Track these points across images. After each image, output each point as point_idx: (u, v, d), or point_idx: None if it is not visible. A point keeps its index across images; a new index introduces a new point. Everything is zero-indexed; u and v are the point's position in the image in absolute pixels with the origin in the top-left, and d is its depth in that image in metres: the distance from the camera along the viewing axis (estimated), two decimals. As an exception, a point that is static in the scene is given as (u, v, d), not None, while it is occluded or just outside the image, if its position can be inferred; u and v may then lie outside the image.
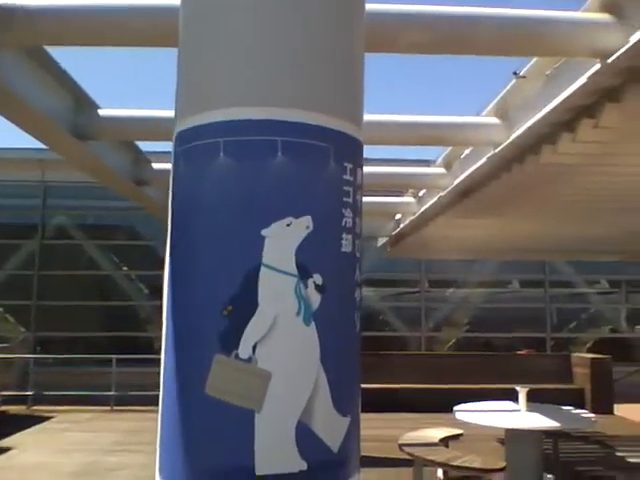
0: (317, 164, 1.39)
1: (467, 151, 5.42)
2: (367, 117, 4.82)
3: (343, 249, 1.41)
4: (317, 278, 1.36)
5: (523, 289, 15.66)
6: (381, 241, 9.57)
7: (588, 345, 15.17)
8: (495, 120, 4.69)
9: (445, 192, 6.07)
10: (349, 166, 1.45)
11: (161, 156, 5.79)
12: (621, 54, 3.06)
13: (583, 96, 3.54)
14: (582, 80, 3.38)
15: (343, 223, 1.41)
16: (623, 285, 15.84)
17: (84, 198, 14.13)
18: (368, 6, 3.14)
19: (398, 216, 8.07)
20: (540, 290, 15.06)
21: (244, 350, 1.31)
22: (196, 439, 1.36)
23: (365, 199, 5.65)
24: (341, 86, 1.48)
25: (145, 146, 5.99)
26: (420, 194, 7.03)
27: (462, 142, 5.18)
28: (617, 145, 4.03)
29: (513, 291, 15.68)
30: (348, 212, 1.42)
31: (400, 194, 7.52)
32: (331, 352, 1.38)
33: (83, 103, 4.55)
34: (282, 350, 1.33)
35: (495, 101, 4.58)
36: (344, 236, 1.41)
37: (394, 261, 12.49)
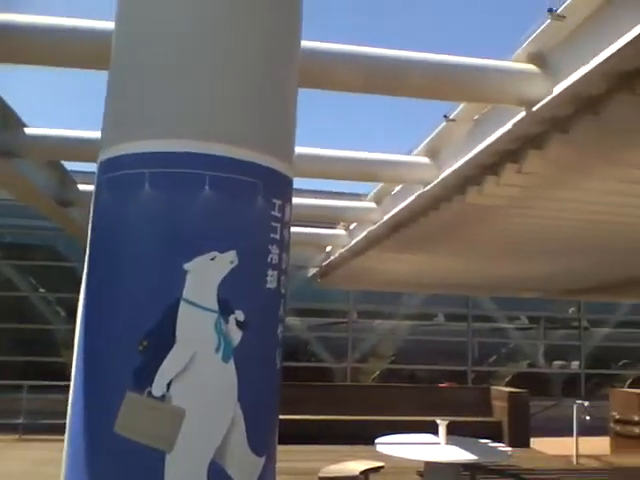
0: (245, 199, 1.37)
1: (397, 188, 5.54)
2: (303, 150, 4.87)
3: (268, 285, 1.39)
4: (239, 314, 1.33)
5: (448, 322, 16.01)
6: (312, 271, 9.59)
7: (507, 379, 15.61)
8: (425, 160, 4.82)
9: (375, 226, 6.16)
10: (278, 202, 1.44)
11: (88, 177, 5.61)
12: (544, 104, 3.23)
13: (508, 142, 3.70)
14: (507, 127, 3.54)
15: (269, 259, 1.39)
16: (541, 321, 16.48)
17: (1, 216, 13.48)
18: (308, 43, 3.22)
19: (329, 248, 8.12)
20: (463, 324, 15.45)
21: (158, 387, 1.26)
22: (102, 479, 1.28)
23: (297, 230, 5.65)
24: (271, 122, 1.47)
25: (73, 166, 5.81)
26: (351, 227, 7.11)
27: (393, 179, 5.29)
28: (538, 190, 4.22)
29: (438, 324, 16.01)
30: (275, 248, 1.41)
31: (332, 226, 7.59)
32: (249, 390, 1.35)
33: (9, 120, 4.38)
34: (198, 387, 1.29)
35: (426, 141, 4.71)
36: (269, 272, 1.39)
37: (323, 291, 12.52)
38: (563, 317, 16.53)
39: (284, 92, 1.53)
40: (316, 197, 6.72)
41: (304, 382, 11.52)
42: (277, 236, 1.41)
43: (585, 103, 3.14)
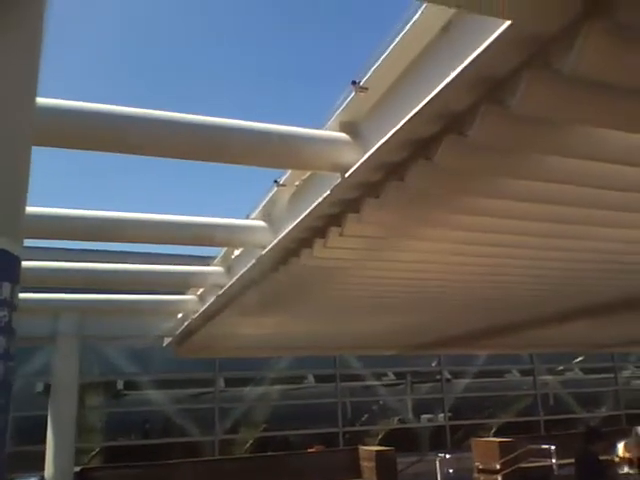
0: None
1: (237, 252, 5.52)
2: (141, 216, 4.71)
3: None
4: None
5: (317, 384, 15.96)
6: (166, 341, 9.21)
7: (380, 436, 15.71)
8: (262, 223, 4.85)
9: (223, 290, 6.07)
10: (6, 284, 1.31)
11: None
12: (355, 170, 3.37)
13: (329, 206, 3.81)
14: (327, 192, 3.65)
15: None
16: (408, 377, 16.89)
17: None
18: (117, 108, 3.16)
19: (180, 315, 7.87)
20: (333, 384, 15.47)
21: None
22: None
23: (146, 297, 5.37)
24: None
25: None
26: (199, 292, 6.96)
27: (233, 243, 5.28)
28: (364, 252, 4.37)
29: (307, 387, 15.91)
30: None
31: (182, 292, 7.38)
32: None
33: None
34: None
35: (261, 206, 4.76)
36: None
37: (186, 361, 12.05)
38: (427, 371, 17.07)
39: (12, 170, 1.42)
40: (163, 263, 6.54)
41: (167, 460, 10.92)
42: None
43: (391, 169, 3.32)
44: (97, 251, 7.53)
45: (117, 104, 3.10)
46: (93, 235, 4.88)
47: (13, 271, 1.41)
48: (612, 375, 18.77)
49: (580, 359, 18.33)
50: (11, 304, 1.37)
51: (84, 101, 3.04)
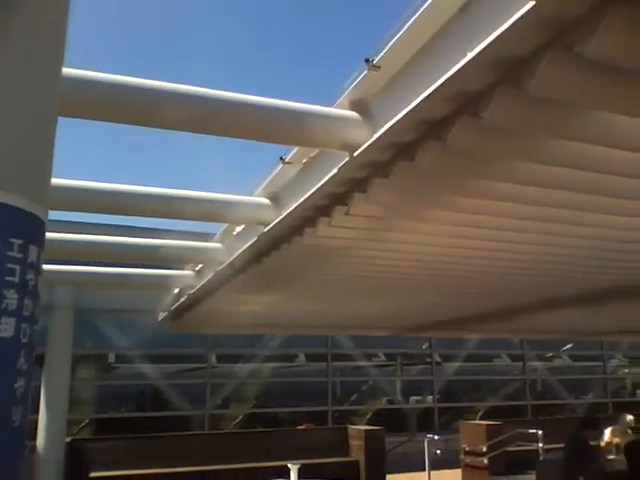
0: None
1: (239, 228, 5.51)
2: (143, 189, 4.70)
3: (0, 334, 1.24)
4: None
5: (308, 363, 16.09)
6: (161, 315, 9.22)
7: (368, 416, 15.91)
8: (265, 201, 4.84)
9: (222, 267, 6.07)
10: (17, 242, 1.30)
11: None
12: (364, 149, 3.36)
13: (335, 185, 3.80)
14: (334, 171, 3.64)
15: (3, 305, 1.25)
16: (398, 358, 17.06)
17: None
18: (127, 79, 3.13)
19: (177, 290, 7.87)
20: (324, 364, 15.60)
21: None
22: None
23: (143, 271, 5.36)
24: (13, 158, 1.34)
25: None
26: (197, 268, 6.95)
27: (235, 220, 5.26)
28: (369, 232, 4.37)
29: (299, 365, 16.04)
30: (11, 293, 1.27)
31: (180, 268, 7.37)
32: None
33: None
34: None
35: (265, 183, 4.74)
36: (2, 319, 1.25)
37: (179, 336, 12.09)
38: (418, 353, 17.24)
39: (34, 123, 1.42)
40: (162, 237, 6.52)
41: (156, 433, 11.00)
42: (15, 279, 1.28)
43: (401, 149, 3.31)
44: (93, 224, 7.49)
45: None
46: (94, 207, 4.86)
47: (40, 236, 1.41)
48: (600, 363, 19.03)
49: (569, 346, 18.55)
50: (37, 268, 1.37)
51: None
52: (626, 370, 20.14)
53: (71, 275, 7.74)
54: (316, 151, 3.88)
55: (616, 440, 8.65)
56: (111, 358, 14.37)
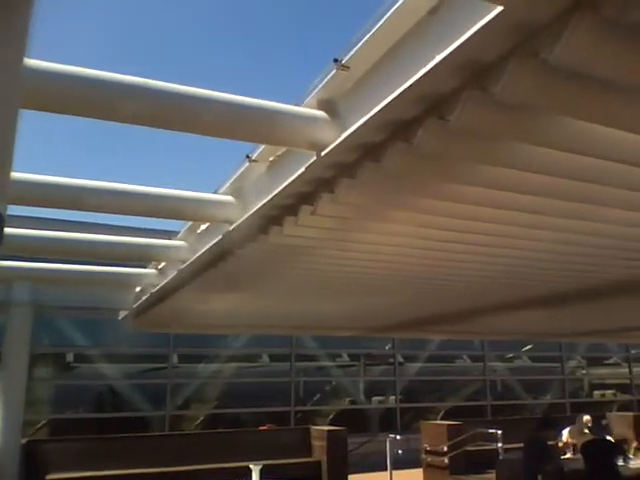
0: None
1: (203, 226, 5.44)
2: (106, 185, 4.59)
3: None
4: None
5: (272, 363, 16.03)
6: (122, 314, 9.06)
7: (331, 417, 15.92)
8: (230, 199, 4.79)
9: (185, 265, 5.99)
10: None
11: None
12: (332, 149, 3.34)
13: (302, 184, 3.78)
14: (301, 170, 3.62)
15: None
16: (361, 359, 17.13)
17: None
18: (88, 71, 3.04)
19: (139, 288, 7.74)
20: (287, 364, 15.56)
21: None
22: None
23: (104, 269, 5.24)
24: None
25: None
26: (160, 266, 6.84)
27: (200, 218, 5.19)
28: (335, 232, 4.36)
29: (262, 365, 15.96)
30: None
31: (142, 265, 7.25)
32: None
33: None
34: None
35: (230, 181, 4.69)
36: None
37: (140, 335, 11.89)
38: (381, 354, 17.34)
39: None
40: (125, 234, 6.40)
41: (116, 434, 10.80)
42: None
43: (368, 150, 3.30)
44: (54, 219, 7.31)
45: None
46: (52, 202, 4.73)
47: (-3, 231, 1.35)
48: (559, 364, 19.44)
49: (529, 347, 18.90)
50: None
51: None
52: (584, 371, 20.62)
53: (30, 272, 7.53)
54: (283, 149, 3.85)
55: (573, 440, 8.84)
56: (70, 357, 14.06)
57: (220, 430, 13.21)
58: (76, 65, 2.96)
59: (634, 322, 10.49)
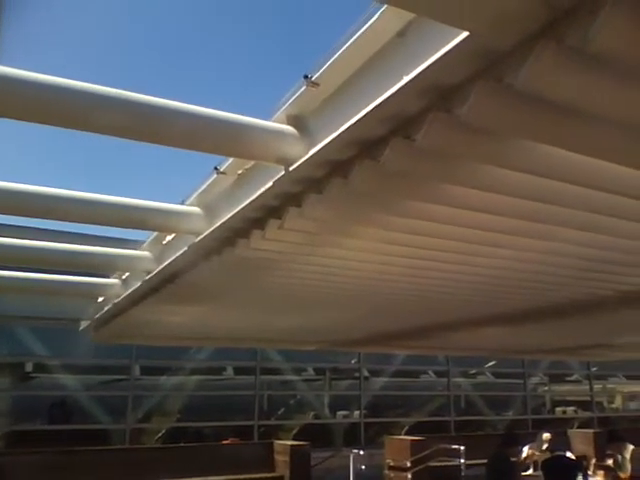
0: None
1: (169, 237, 5.40)
2: (70, 193, 4.52)
3: None
4: None
5: (236, 377, 15.89)
6: (83, 324, 8.88)
7: (295, 431, 15.82)
8: (197, 210, 4.76)
9: (149, 276, 5.92)
10: None
11: None
12: (299, 165, 3.36)
13: (270, 198, 3.79)
14: (269, 184, 3.63)
15: None
16: (327, 373, 17.11)
17: None
18: (63, 81, 3.01)
19: (101, 298, 7.61)
20: (252, 377, 15.44)
21: None
22: None
23: (65, 278, 5.14)
24: None
25: None
26: (124, 277, 6.75)
27: (166, 228, 5.15)
28: (302, 247, 4.37)
29: (226, 378, 15.81)
30: None
31: (104, 275, 7.13)
32: None
33: None
34: None
35: (198, 192, 4.66)
36: None
37: (101, 346, 11.67)
38: (347, 368, 17.35)
39: None
40: (88, 243, 6.29)
41: (74, 447, 10.55)
42: None
43: (335, 167, 3.33)
44: (13, 226, 7.14)
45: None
46: (15, 210, 4.63)
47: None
48: (521, 381, 19.71)
49: (492, 363, 19.13)
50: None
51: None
52: (546, 388, 20.95)
53: (-13, 280, 7.34)
54: (251, 163, 3.85)
55: (534, 456, 8.95)
56: (28, 367, 13.71)
57: (182, 444, 13.01)
58: (42, 73, 2.92)
59: (593, 340, 10.73)
